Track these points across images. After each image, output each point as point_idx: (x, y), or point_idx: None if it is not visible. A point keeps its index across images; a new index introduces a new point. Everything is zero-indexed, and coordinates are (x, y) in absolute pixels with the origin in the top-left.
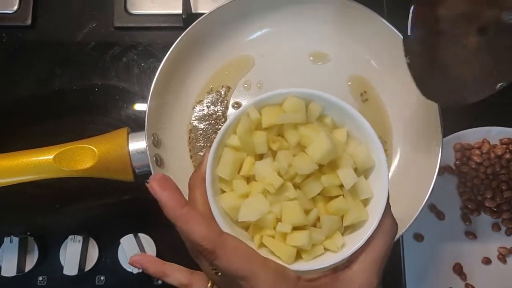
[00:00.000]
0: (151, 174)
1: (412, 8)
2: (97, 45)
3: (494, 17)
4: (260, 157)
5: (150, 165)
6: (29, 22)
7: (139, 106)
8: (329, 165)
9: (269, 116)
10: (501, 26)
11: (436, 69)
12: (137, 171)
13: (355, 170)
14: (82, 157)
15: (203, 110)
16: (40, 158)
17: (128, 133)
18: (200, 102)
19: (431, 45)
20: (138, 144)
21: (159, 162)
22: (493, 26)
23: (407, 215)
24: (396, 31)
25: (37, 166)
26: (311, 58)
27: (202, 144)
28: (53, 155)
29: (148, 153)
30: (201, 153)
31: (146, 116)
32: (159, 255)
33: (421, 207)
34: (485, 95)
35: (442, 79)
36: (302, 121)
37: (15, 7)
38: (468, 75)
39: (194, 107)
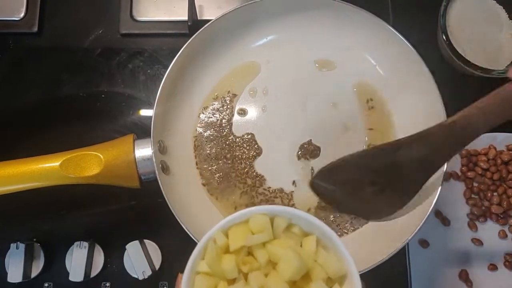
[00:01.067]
0: (157, 181)
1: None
2: (103, 52)
3: (375, 175)
4: (233, 280)
5: (156, 172)
6: (35, 29)
7: (145, 113)
8: (302, 278)
9: (236, 238)
10: (386, 177)
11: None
12: (143, 178)
13: (328, 279)
14: (88, 164)
15: (208, 117)
16: (47, 165)
17: (134, 140)
18: (205, 108)
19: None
20: (144, 151)
21: (165, 169)
22: (380, 179)
23: (413, 222)
24: (402, 38)
25: (43, 173)
26: (317, 64)
27: (208, 150)
28: (59, 162)
29: (154, 160)
30: (206, 166)
31: (152, 123)
32: (165, 261)
33: (428, 214)
34: (395, 212)
35: (363, 211)
36: (269, 238)
37: (22, 14)
38: (377, 206)
39: (200, 114)
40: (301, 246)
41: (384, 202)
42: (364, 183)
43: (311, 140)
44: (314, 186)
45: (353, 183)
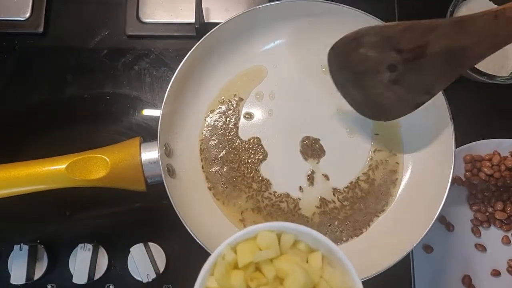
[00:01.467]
0: (162, 184)
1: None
2: (109, 53)
3: (397, 58)
4: None
5: (162, 175)
6: (41, 29)
7: (151, 115)
8: None
9: (244, 254)
10: (407, 64)
11: (365, 100)
12: (149, 181)
13: None
14: (94, 166)
15: (215, 120)
16: (53, 167)
17: (140, 143)
18: (212, 112)
19: (356, 83)
20: (150, 154)
21: (171, 172)
22: (399, 64)
23: (418, 228)
24: None
25: (49, 176)
26: (323, 69)
27: (214, 154)
28: (65, 165)
29: (160, 163)
30: (212, 169)
31: (159, 126)
32: (169, 264)
33: (433, 221)
34: (404, 114)
35: (371, 106)
36: (276, 254)
37: (27, 15)
38: (388, 102)
39: (206, 117)
40: (307, 262)
41: (397, 97)
42: (382, 64)
43: (319, 139)
44: (329, 58)
45: (370, 62)
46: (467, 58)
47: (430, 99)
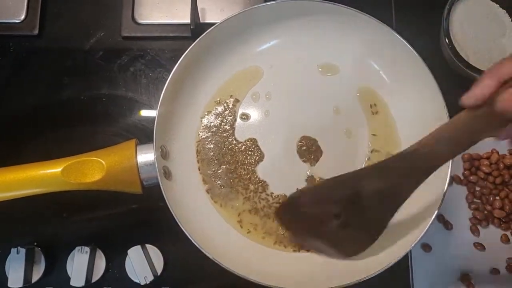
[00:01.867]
0: (159, 186)
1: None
2: (104, 55)
3: (337, 207)
4: None
5: (158, 177)
6: (36, 31)
7: (147, 116)
8: None
9: None
10: (347, 209)
11: (328, 246)
12: (145, 183)
13: None
14: (90, 170)
15: (211, 121)
16: (48, 171)
17: (136, 145)
18: (208, 113)
19: (312, 235)
20: (146, 156)
21: (168, 174)
22: (343, 212)
23: (416, 227)
24: (406, 43)
25: (45, 180)
26: (320, 69)
27: (211, 155)
28: (61, 168)
29: (156, 165)
30: (209, 171)
31: (155, 128)
32: (167, 266)
33: (432, 219)
34: (370, 245)
35: (336, 250)
36: None
37: (22, 17)
38: (348, 243)
39: (202, 118)
40: None
41: (350, 238)
42: (326, 215)
43: (316, 140)
44: (278, 217)
45: (314, 217)
46: (398, 194)
47: (382, 231)
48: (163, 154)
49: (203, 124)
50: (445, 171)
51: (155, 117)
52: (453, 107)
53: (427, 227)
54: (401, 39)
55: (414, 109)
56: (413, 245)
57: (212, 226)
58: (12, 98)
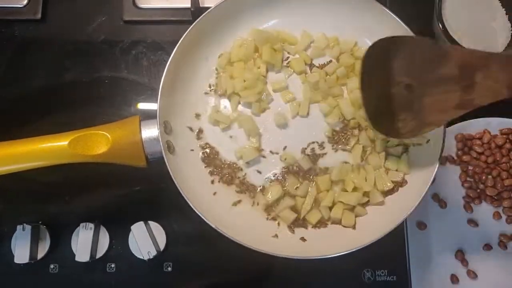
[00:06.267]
0: (161, 162)
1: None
2: (106, 39)
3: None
4: None
5: (163, 151)
6: (39, 16)
7: (149, 97)
8: None
9: None
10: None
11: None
12: (149, 157)
13: None
14: (96, 143)
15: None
16: (56, 144)
17: (140, 121)
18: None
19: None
20: (150, 131)
21: (171, 148)
22: (415, 84)
23: (411, 201)
24: (399, 20)
25: (52, 152)
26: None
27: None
28: (68, 141)
29: (160, 140)
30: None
31: (158, 104)
32: (169, 242)
33: (424, 193)
34: (414, 135)
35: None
36: None
37: (25, 1)
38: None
39: (203, 95)
40: None
41: (405, 116)
42: (399, 81)
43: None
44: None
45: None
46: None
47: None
48: (167, 129)
49: (205, 100)
50: (438, 148)
51: (157, 97)
52: None
53: (420, 200)
54: (395, 16)
55: None
56: (408, 214)
57: (214, 198)
58: (15, 81)
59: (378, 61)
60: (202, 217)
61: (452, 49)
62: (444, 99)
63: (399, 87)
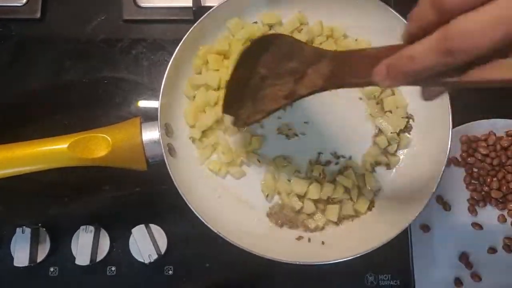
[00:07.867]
0: (162, 165)
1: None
2: (106, 38)
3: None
4: None
5: (164, 154)
6: (38, 15)
7: (149, 98)
8: None
9: None
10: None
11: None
12: (150, 160)
13: None
14: (96, 146)
15: None
16: (55, 146)
17: (141, 123)
18: None
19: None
20: (151, 134)
21: (172, 151)
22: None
23: (415, 205)
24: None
25: (52, 155)
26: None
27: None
28: (67, 144)
29: (161, 143)
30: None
31: (159, 106)
32: (170, 245)
33: (429, 197)
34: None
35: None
36: None
37: (24, 0)
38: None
39: None
40: None
41: (249, 104)
42: (258, 72)
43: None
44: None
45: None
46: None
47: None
48: (168, 132)
49: None
50: (444, 151)
51: (157, 98)
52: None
53: (425, 204)
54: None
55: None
56: (412, 220)
57: (217, 202)
58: (14, 81)
59: (252, 55)
60: (204, 222)
61: (307, 46)
62: (279, 90)
63: (256, 78)
